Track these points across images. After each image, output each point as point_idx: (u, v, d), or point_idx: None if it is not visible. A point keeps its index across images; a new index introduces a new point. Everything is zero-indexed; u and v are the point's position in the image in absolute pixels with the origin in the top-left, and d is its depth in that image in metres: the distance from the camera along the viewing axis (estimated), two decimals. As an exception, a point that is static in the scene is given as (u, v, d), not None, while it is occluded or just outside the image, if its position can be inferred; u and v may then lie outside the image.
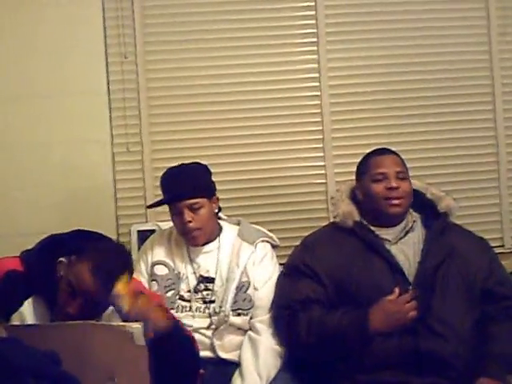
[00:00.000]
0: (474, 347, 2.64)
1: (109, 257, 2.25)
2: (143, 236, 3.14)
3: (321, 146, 3.56)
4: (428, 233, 2.79)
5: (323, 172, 3.56)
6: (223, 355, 2.70)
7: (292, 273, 2.76)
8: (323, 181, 3.55)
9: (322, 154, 3.56)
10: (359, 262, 2.71)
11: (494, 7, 3.62)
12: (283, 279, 2.78)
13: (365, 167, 2.83)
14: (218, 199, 2.84)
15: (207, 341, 2.70)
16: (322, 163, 3.56)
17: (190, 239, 2.78)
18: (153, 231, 3.08)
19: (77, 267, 2.21)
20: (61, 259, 2.25)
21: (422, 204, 2.87)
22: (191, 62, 3.49)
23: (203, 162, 2.88)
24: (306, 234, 2.90)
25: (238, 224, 2.91)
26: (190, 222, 2.73)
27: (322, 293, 2.70)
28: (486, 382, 2.53)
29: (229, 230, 2.87)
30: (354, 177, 2.87)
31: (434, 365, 2.58)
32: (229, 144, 3.51)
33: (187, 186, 2.76)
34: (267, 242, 2.88)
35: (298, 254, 2.83)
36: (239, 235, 2.85)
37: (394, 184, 2.72)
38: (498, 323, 2.69)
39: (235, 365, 2.67)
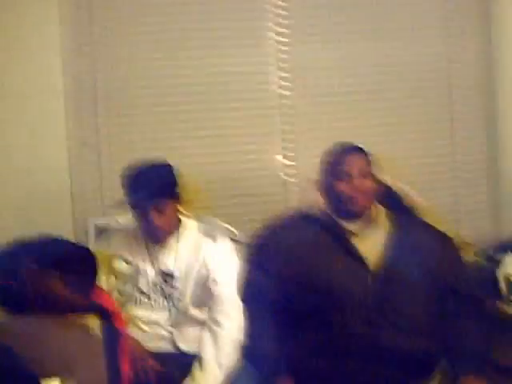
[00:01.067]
0: (434, 341, 2.68)
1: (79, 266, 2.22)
2: (100, 230, 3.13)
3: (281, 137, 3.57)
4: (392, 227, 2.82)
5: (282, 167, 3.57)
6: (183, 347, 2.75)
7: (252, 260, 2.78)
8: (282, 175, 3.56)
9: (284, 146, 3.57)
10: (322, 252, 2.73)
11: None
12: (245, 267, 2.78)
13: (328, 164, 2.83)
14: (181, 198, 2.85)
15: (167, 334, 2.75)
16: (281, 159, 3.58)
17: (153, 238, 2.81)
18: (110, 225, 3.08)
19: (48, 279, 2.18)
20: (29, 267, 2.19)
21: (388, 198, 2.90)
22: (149, 53, 3.46)
23: (160, 154, 2.88)
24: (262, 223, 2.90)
25: (198, 218, 2.93)
26: (154, 222, 2.75)
27: (272, 290, 2.71)
28: (470, 381, 2.59)
29: (188, 225, 2.89)
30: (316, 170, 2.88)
31: (391, 356, 2.61)
32: (186, 135, 3.49)
33: (153, 188, 2.77)
34: (227, 236, 2.92)
35: (261, 242, 2.83)
36: (199, 229, 2.88)
37: (357, 183, 2.74)
38: (459, 319, 2.73)
39: (195, 356, 2.70)
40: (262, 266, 2.76)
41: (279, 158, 3.57)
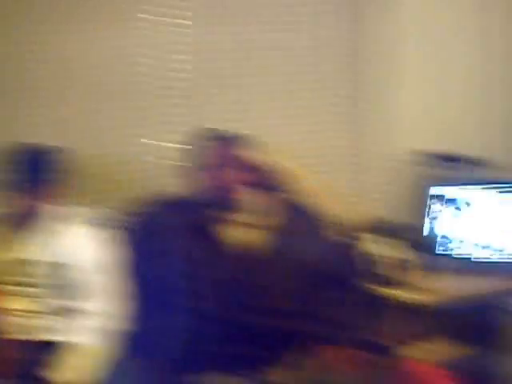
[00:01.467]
0: (300, 312, 2.80)
1: None
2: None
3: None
4: (268, 212, 2.94)
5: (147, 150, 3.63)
6: (55, 336, 2.75)
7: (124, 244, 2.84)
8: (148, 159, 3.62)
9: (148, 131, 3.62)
10: (184, 237, 2.81)
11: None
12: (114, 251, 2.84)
13: (196, 152, 2.90)
14: (56, 184, 2.87)
15: (28, 323, 2.75)
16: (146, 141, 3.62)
17: (24, 223, 2.80)
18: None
19: None
20: None
21: (267, 183, 3.01)
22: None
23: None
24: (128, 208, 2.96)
25: (66, 205, 2.92)
26: (24, 208, 2.78)
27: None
28: (329, 350, 2.72)
29: (56, 211, 2.87)
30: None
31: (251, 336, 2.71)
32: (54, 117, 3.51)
33: (30, 172, 2.80)
34: (93, 222, 2.92)
35: (128, 226, 2.91)
36: (67, 216, 2.87)
37: (219, 173, 2.83)
38: (326, 293, 2.85)
39: (64, 344, 2.72)
40: (130, 250, 2.82)
41: (153, 142, 3.61)
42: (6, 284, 2.78)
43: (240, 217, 2.89)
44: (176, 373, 2.70)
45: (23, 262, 2.79)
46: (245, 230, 2.87)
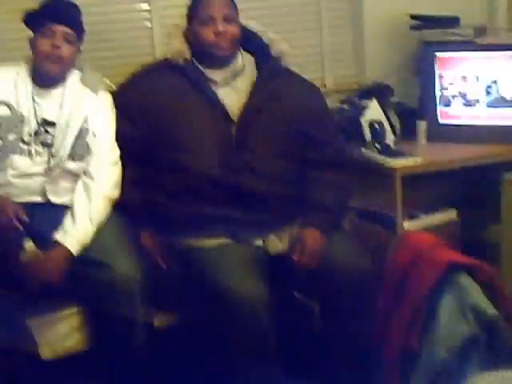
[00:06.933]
0: (292, 189, 2.79)
1: None
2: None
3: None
4: (259, 75, 2.86)
5: (148, 16, 3.51)
6: (54, 199, 2.73)
7: (118, 111, 2.82)
8: (149, 25, 3.52)
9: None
10: (180, 100, 2.78)
11: None
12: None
13: (193, 10, 2.84)
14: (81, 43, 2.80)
15: (37, 186, 2.72)
16: (147, 7, 3.51)
17: (48, 66, 2.71)
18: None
19: None
20: None
21: (258, 47, 2.91)
22: None
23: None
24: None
25: (80, 70, 2.85)
26: (57, 47, 2.68)
27: (137, 139, 2.80)
28: (309, 232, 2.70)
29: (73, 76, 2.82)
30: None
31: (248, 200, 2.72)
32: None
33: (71, 13, 2.74)
34: (108, 90, 2.88)
35: (124, 87, 2.90)
36: (82, 81, 2.82)
37: (220, 28, 2.75)
38: (320, 170, 2.82)
39: (65, 208, 2.71)
40: (126, 114, 2.81)
41: (145, 6, 3.51)
42: (23, 143, 2.72)
43: (235, 80, 2.86)
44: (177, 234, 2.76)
45: (43, 123, 2.74)
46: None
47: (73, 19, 2.75)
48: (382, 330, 2.54)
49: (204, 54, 2.80)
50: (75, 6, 2.80)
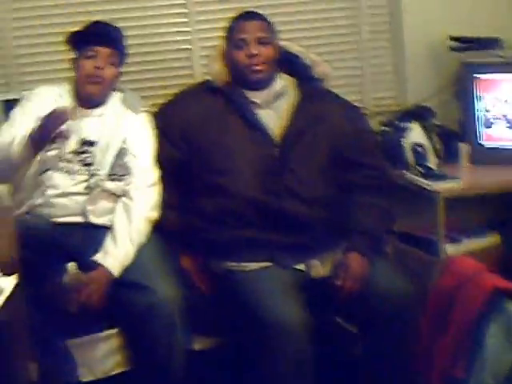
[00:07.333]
0: (335, 213, 2.75)
1: None
2: (8, 106, 3.05)
3: (185, 11, 3.49)
4: (300, 96, 2.84)
5: (188, 38, 3.50)
6: (94, 220, 2.72)
7: (159, 133, 2.83)
8: (188, 46, 3.51)
9: (186, 20, 3.50)
10: (221, 122, 2.78)
11: None
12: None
13: (229, 32, 2.86)
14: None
15: (78, 206, 2.72)
16: (187, 29, 3.50)
17: (90, 88, 2.75)
18: (17, 100, 3.00)
19: None
20: None
21: (299, 69, 2.92)
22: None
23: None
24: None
25: (121, 91, 2.90)
26: (100, 68, 2.73)
27: (178, 161, 2.81)
28: (353, 256, 2.66)
29: (114, 97, 2.86)
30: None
31: (290, 224, 2.69)
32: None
33: (115, 35, 2.80)
34: (145, 109, 2.90)
35: (165, 108, 2.92)
36: (123, 102, 2.85)
37: (253, 51, 2.75)
38: (363, 193, 2.78)
39: (105, 229, 2.70)
40: (167, 135, 2.82)
41: (185, 28, 3.51)
42: (63, 161, 2.74)
43: (276, 101, 2.85)
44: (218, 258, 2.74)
45: (83, 142, 2.77)
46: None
47: (116, 41, 2.79)
48: (426, 356, 2.50)
49: (240, 76, 2.80)
50: (118, 28, 2.84)
